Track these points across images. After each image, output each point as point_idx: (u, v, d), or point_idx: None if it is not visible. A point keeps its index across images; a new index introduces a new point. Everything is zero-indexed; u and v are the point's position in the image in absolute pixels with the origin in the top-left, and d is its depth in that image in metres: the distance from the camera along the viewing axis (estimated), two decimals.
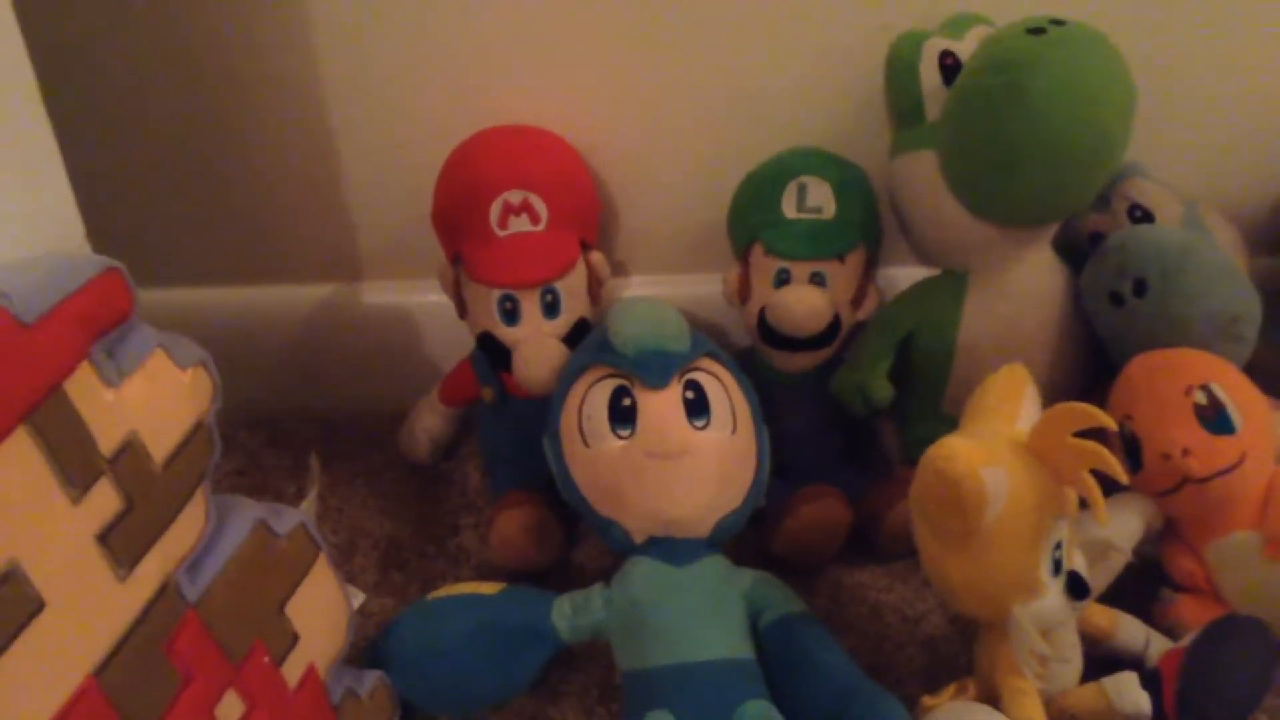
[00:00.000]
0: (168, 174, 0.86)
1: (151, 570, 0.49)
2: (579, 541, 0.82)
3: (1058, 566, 0.59)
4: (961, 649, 0.72)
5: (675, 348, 0.68)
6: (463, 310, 0.81)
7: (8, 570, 0.42)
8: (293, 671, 0.58)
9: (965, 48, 0.74)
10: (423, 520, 0.85)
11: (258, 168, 0.85)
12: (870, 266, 0.83)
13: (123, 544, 0.47)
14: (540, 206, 0.76)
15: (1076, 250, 0.78)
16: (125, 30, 0.78)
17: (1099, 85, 0.66)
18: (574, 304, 0.78)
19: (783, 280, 0.80)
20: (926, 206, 0.76)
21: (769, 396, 0.75)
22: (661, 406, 0.66)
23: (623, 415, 0.67)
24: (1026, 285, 0.76)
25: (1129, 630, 0.67)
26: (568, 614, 0.67)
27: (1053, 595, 0.59)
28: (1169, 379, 0.67)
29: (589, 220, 0.82)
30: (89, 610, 0.46)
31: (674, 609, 0.65)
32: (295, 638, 0.58)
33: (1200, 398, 0.65)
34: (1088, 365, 0.79)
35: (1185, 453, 0.65)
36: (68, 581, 0.44)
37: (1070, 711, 0.62)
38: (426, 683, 0.67)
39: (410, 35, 0.79)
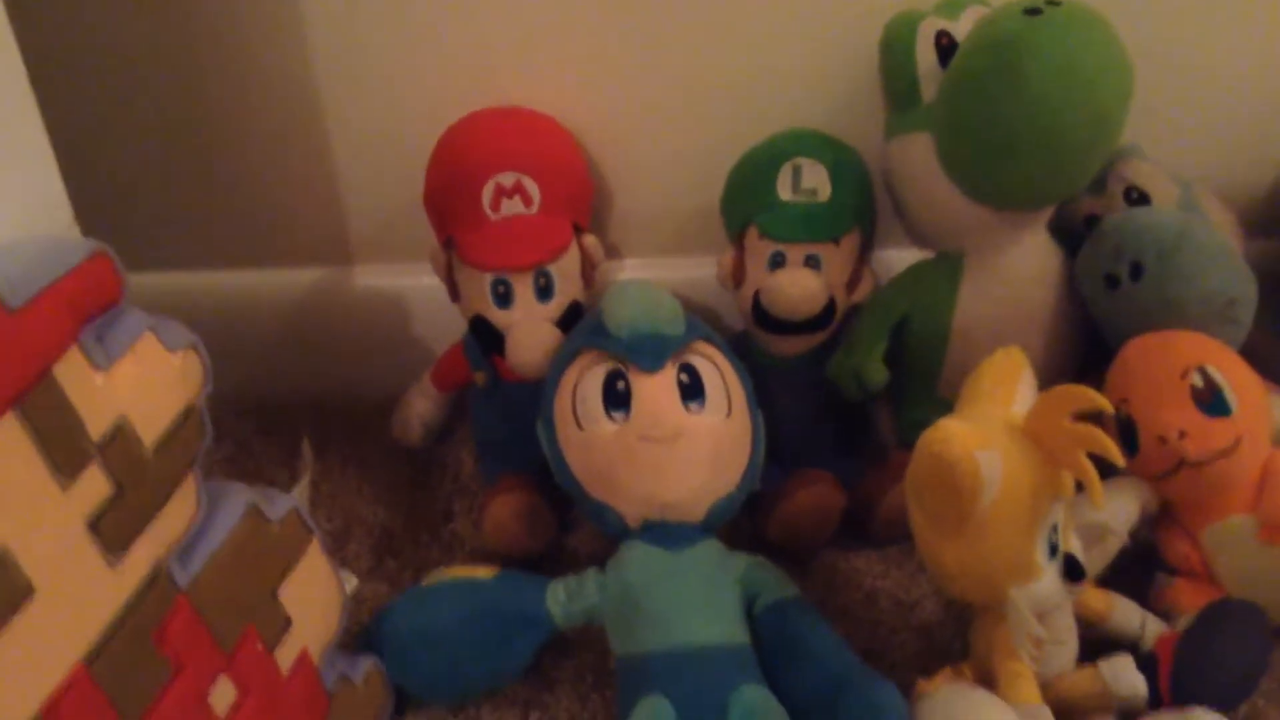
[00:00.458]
0: (157, 157, 0.85)
1: (142, 556, 0.49)
2: (573, 526, 0.82)
3: (1053, 550, 0.59)
4: (956, 634, 0.72)
5: (669, 331, 0.68)
6: (455, 294, 0.81)
7: None
8: (286, 658, 0.58)
9: (961, 28, 0.74)
10: (416, 505, 0.85)
11: (248, 151, 0.85)
12: (865, 249, 0.83)
13: (113, 530, 0.47)
14: (533, 189, 0.75)
15: (1072, 233, 0.78)
16: (114, 12, 0.77)
17: (1096, 67, 0.66)
18: (567, 287, 0.78)
19: (777, 263, 0.79)
20: (921, 189, 0.75)
21: (763, 380, 0.74)
22: (655, 390, 0.66)
23: (617, 399, 0.66)
24: (1022, 268, 0.76)
25: (1125, 613, 0.67)
26: (562, 599, 0.67)
27: (1048, 578, 0.59)
28: (1165, 362, 0.66)
29: (582, 203, 0.82)
30: (79, 597, 0.45)
31: (668, 594, 0.64)
32: (288, 623, 0.58)
33: (1196, 380, 0.65)
34: (1083, 348, 0.79)
35: (1181, 435, 0.64)
36: (58, 568, 0.44)
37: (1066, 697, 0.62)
38: (420, 668, 0.67)
39: (402, 16, 0.79)
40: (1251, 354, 0.69)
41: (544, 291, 0.77)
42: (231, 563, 0.54)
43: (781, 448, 0.77)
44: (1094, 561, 0.65)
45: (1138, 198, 0.78)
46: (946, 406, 0.65)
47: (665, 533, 0.66)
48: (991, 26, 0.67)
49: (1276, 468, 0.66)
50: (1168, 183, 0.78)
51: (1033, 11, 0.65)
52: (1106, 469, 0.56)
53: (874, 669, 0.61)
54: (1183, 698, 0.58)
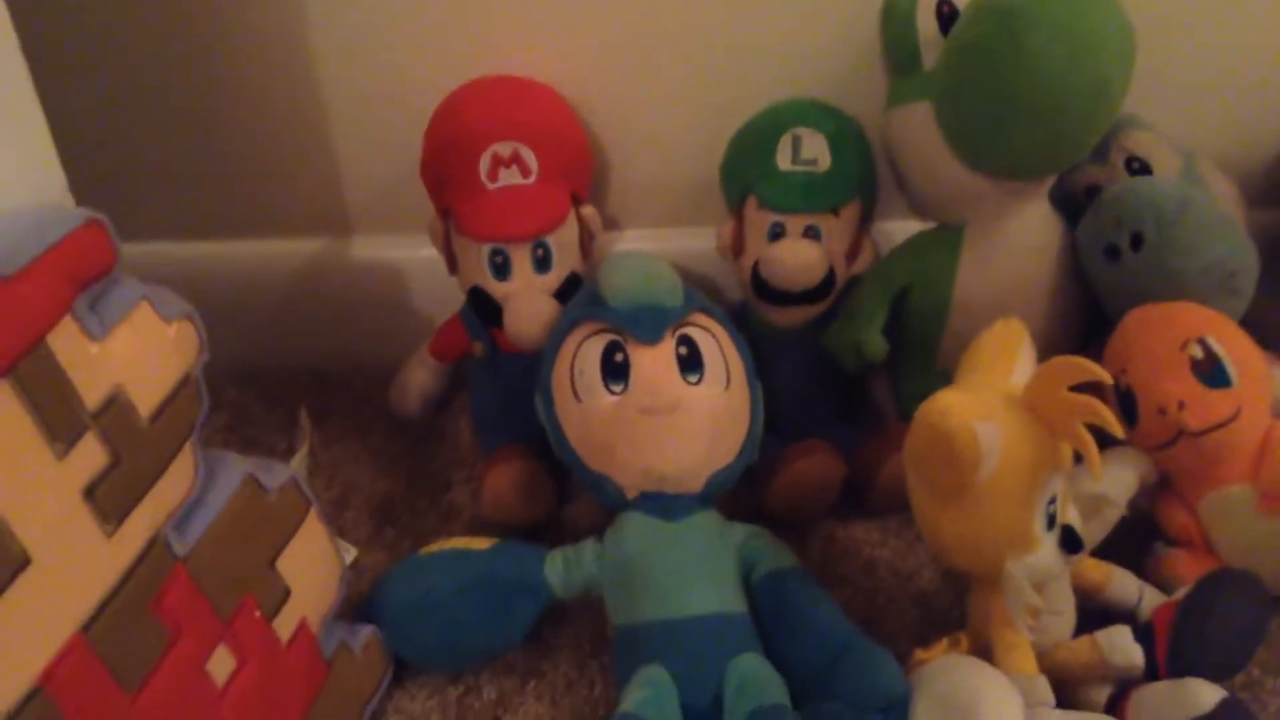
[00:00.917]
0: (153, 126, 0.84)
1: (139, 525, 0.49)
2: (571, 497, 0.82)
3: (1051, 521, 0.59)
4: (954, 604, 0.72)
5: (668, 302, 0.68)
6: (453, 265, 0.80)
7: None
8: (285, 626, 0.58)
9: None
10: (414, 476, 0.85)
11: (245, 121, 0.84)
12: (865, 220, 0.82)
13: (109, 499, 0.47)
14: (530, 159, 0.75)
15: (1073, 203, 0.78)
16: None
17: (1096, 34, 0.65)
18: (565, 258, 0.77)
19: (777, 234, 0.79)
20: (922, 159, 0.75)
21: (762, 351, 0.74)
22: (654, 362, 0.66)
23: (615, 370, 0.66)
24: (1023, 239, 0.75)
25: (1122, 584, 0.67)
26: (560, 569, 0.67)
27: (1046, 549, 0.59)
28: (1165, 333, 0.66)
29: (581, 173, 0.81)
30: (76, 566, 0.46)
31: (666, 564, 0.65)
32: (287, 593, 0.58)
33: (1196, 351, 0.65)
34: (1084, 319, 0.79)
35: (1181, 406, 0.64)
36: (54, 537, 0.44)
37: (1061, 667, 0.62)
38: (418, 637, 0.67)
39: None
40: (1253, 325, 0.68)
41: (542, 263, 0.76)
42: (229, 532, 0.54)
43: (780, 418, 0.77)
44: (1092, 532, 0.65)
45: (1139, 168, 0.77)
46: (946, 378, 0.65)
47: (663, 503, 0.66)
48: None
49: (1276, 438, 0.65)
50: (1169, 153, 0.78)
51: None
52: (1105, 440, 0.56)
53: (871, 638, 0.61)
54: (1179, 668, 0.58)
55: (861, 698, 0.57)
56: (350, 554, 0.77)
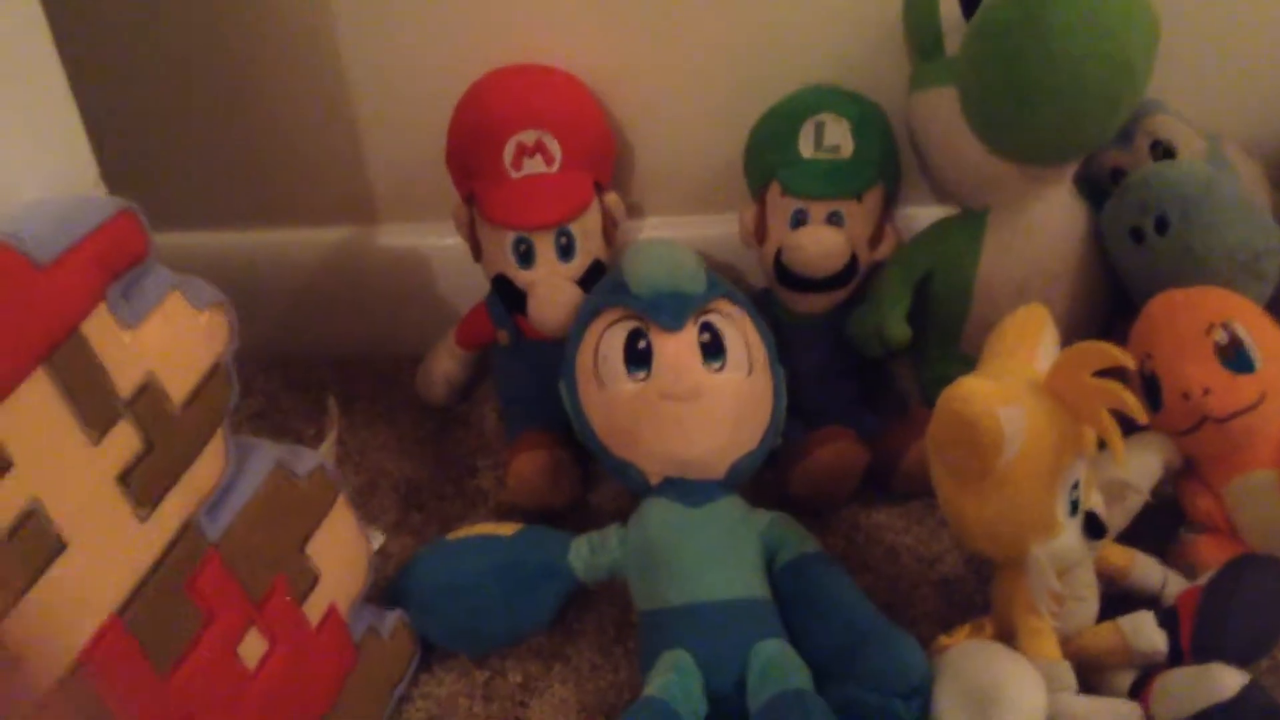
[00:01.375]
0: (182, 117, 0.85)
1: (172, 510, 0.50)
2: (595, 483, 0.83)
3: (1075, 506, 0.59)
4: (977, 589, 0.73)
5: (690, 289, 0.68)
6: (478, 253, 0.81)
7: (29, 510, 0.42)
8: (314, 610, 0.59)
9: None
10: (441, 462, 0.86)
11: (273, 111, 0.85)
12: (888, 206, 0.82)
13: (143, 484, 0.48)
14: (554, 147, 0.75)
15: (1098, 187, 0.77)
16: None
17: (1120, 18, 0.65)
18: (589, 246, 0.78)
19: (799, 220, 0.79)
20: (945, 143, 0.75)
21: (785, 337, 0.75)
22: (677, 348, 0.66)
23: (638, 357, 0.67)
24: (1047, 223, 0.75)
25: (1146, 569, 0.67)
26: (584, 554, 0.67)
27: (1070, 535, 0.59)
28: (1189, 317, 0.66)
29: (604, 161, 0.81)
30: (111, 550, 0.47)
31: (690, 549, 0.65)
32: (316, 577, 0.59)
33: (1220, 336, 0.65)
34: (1108, 304, 0.79)
35: (1205, 392, 0.64)
36: (89, 522, 0.45)
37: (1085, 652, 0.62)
38: (445, 621, 0.68)
39: None
40: (1278, 309, 0.68)
41: (565, 250, 0.77)
42: (260, 517, 0.55)
43: (804, 404, 0.77)
44: (1116, 518, 0.65)
45: (1164, 151, 0.77)
46: (969, 363, 0.65)
47: (687, 489, 0.67)
48: None
49: None
50: (1194, 136, 0.77)
51: None
52: (1129, 425, 0.56)
53: (894, 623, 0.61)
54: (1203, 653, 0.58)
55: (884, 683, 0.57)
56: (378, 539, 0.78)
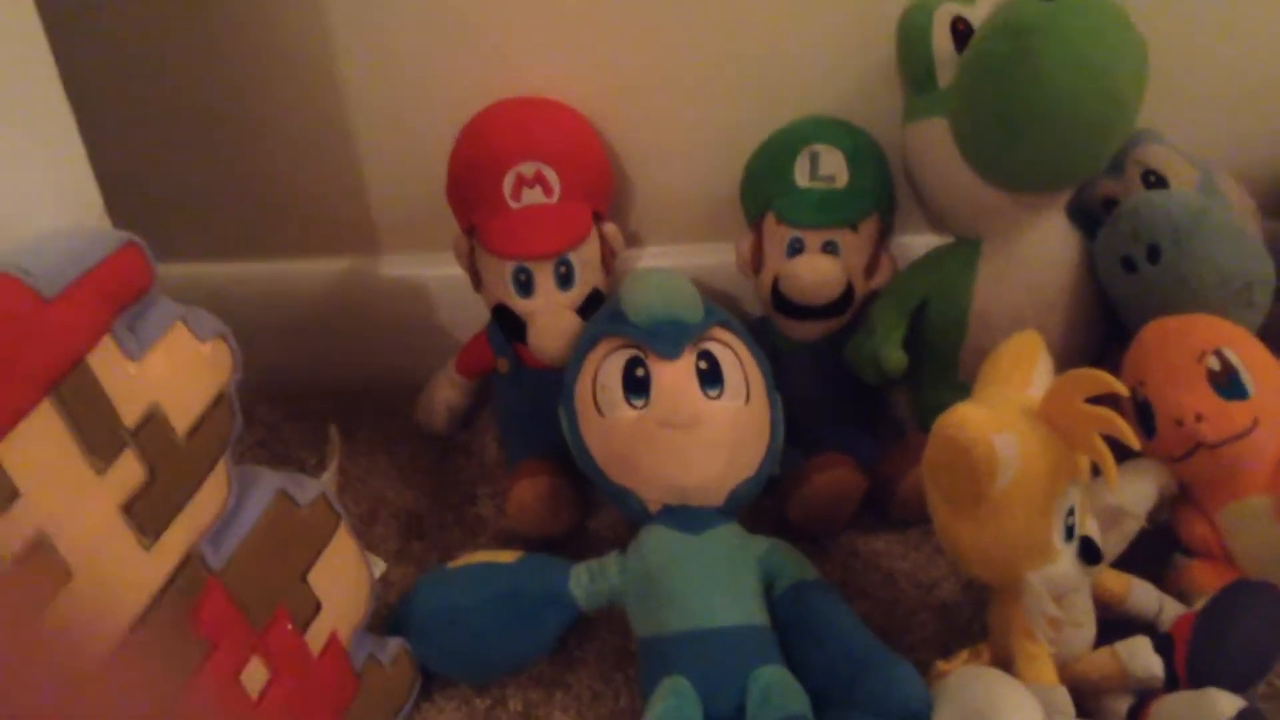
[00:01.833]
0: (185, 149, 0.86)
1: (176, 540, 0.50)
2: (595, 510, 0.83)
3: (1070, 532, 0.59)
4: (974, 615, 0.73)
5: (688, 318, 0.69)
6: (478, 283, 0.82)
7: (37, 540, 0.43)
8: (316, 639, 0.60)
9: (978, 13, 0.74)
10: (441, 490, 0.86)
11: (274, 144, 0.86)
12: (884, 235, 0.83)
13: (147, 514, 0.48)
14: (553, 178, 0.76)
15: (1090, 216, 0.78)
16: (143, 5, 0.79)
17: (1111, 51, 0.66)
18: (588, 275, 0.79)
19: (795, 249, 0.80)
20: (939, 173, 0.76)
21: (783, 365, 0.75)
22: (675, 376, 0.67)
23: (636, 385, 0.67)
24: (1040, 251, 0.76)
25: (1142, 595, 0.67)
26: (584, 581, 0.68)
27: (1065, 560, 0.59)
28: (1182, 345, 0.67)
29: (602, 191, 0.82)
30: (116, 579, 0.47)
31: (689, 576, 0.65)
32: (318, 606, 0.60)
33: (1213, 363, 0.65)
34: (1101, 331, 0.79)
35: (1198, 418, 0.65)
36: (94, 551, 0.46)
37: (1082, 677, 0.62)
38: (446, 649, 0.68)
39: (425, 9, 0.79)
40: (1271, 336, 0.69)
41: (565, 279, 0.78)
42: (262, 546, 0.55)
43: (801, 431, 0.78)
44: (1112, 544, 0.65)
45: (1155, 181, 0.78)
46: (965, 390, 0.65)
47: (686, 516, 0.67)
48: (1008, 11, 0.68)
49: None
50: (1185, 166, 0.78)
51: None
52: (1124, 452, 0.56)
53: (893, 649, 0.62)
54: (1199, 678, 0.58)
55: (883, 709, 0.58)
56: (379, 567, 0.78)
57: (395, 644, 0.66)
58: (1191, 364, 0.66)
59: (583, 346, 0.71)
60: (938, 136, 0.74)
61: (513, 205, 0.76)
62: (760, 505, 0.73)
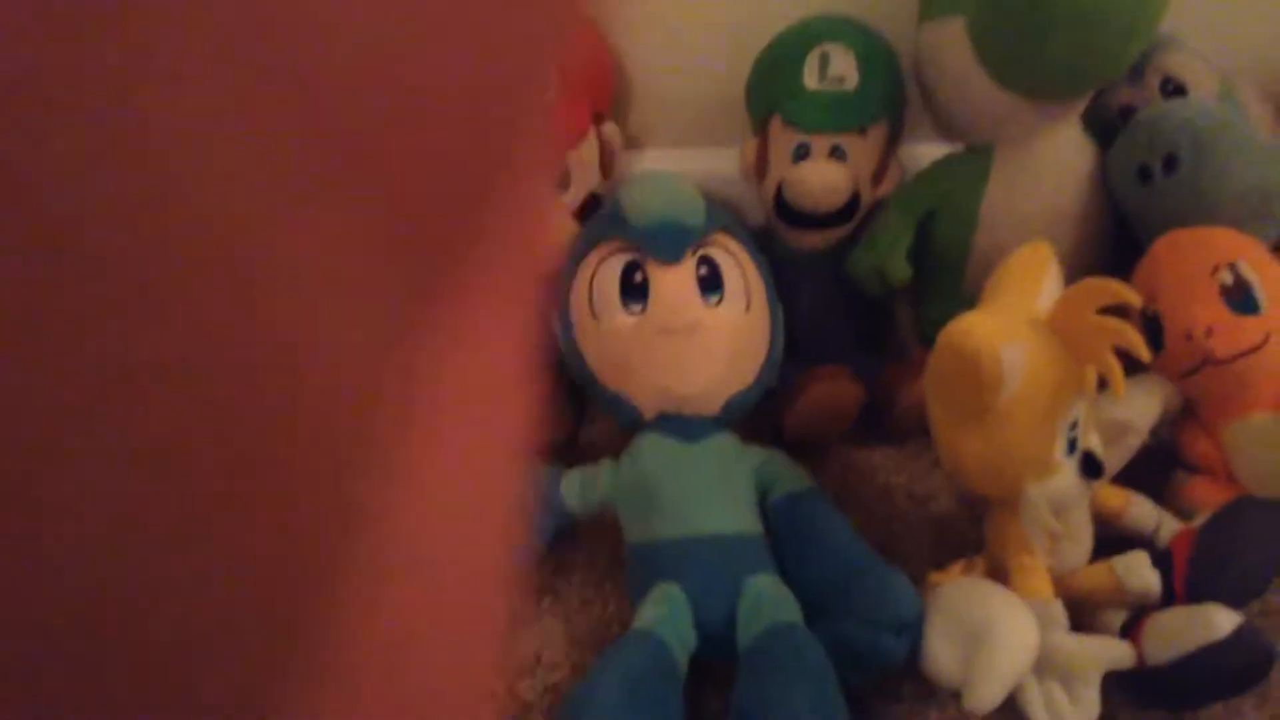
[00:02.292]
0: None
1: None
2: (588, 418, 0.82)
3: (1073, 445, 0.58)
4: (970, 529, 0.72)
5: (690, 221, 0.67)
6: None
7: None
8: None
9: None
10: None
11: None
12: (892, 142, 0.81)
13: None
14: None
15: (1107, 126, 0.76)
16: None
17: None
18: (584, 177, 0.77)
19: (801, 154, 0.77)
20: (953, 76, 0.73)
21: (785, 275, 0.74)
22: (674, 282, 0.65)
23: (634, 290, 0.66)
24: (1054, 161, 0.74)
25: (1141, 511, 0.66)
26: (577, 487, 0.67)
27: (1066, 474, 0.58)
28: (1195, 257, 0.65)
29: (602, 90, 0.80)
30: None
31: (682, 483, 0.65)
32: None
33: (1226, 277, 0.64)
34: (1113, 246, 0.77)
35: (1209, 332, 0.63)
36: None
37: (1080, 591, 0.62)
38: None
39: None
40: None
41: (561, 181, 0.75)
42: None
43: (802, 343, 0.77)
44: (1113, 459, 0.64)
45: (1175, 89, 0.76)
46: (970, 304, 0.64)
47: (681, 425, 0.66)
48: None
49: None
50: (1206, 74, 0.76)
51: None
52: (1130, 366, 0.55)
53: (887, 560, 0.61)
54: (1197, 593, 0.57)
55: (875, 618, 0.57)
56: None
57: None
58: (1204, 277, 0.64)
59: (579, 249, 0.70)
60: (953, 37, 0.71)
61: None
62: (757, 416, 0.72)
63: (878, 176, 0.80)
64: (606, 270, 0.67)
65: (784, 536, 0.65)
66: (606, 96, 0.80)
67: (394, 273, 0.14)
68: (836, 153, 0.77)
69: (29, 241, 0.10)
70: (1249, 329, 0.63)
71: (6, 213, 0.10)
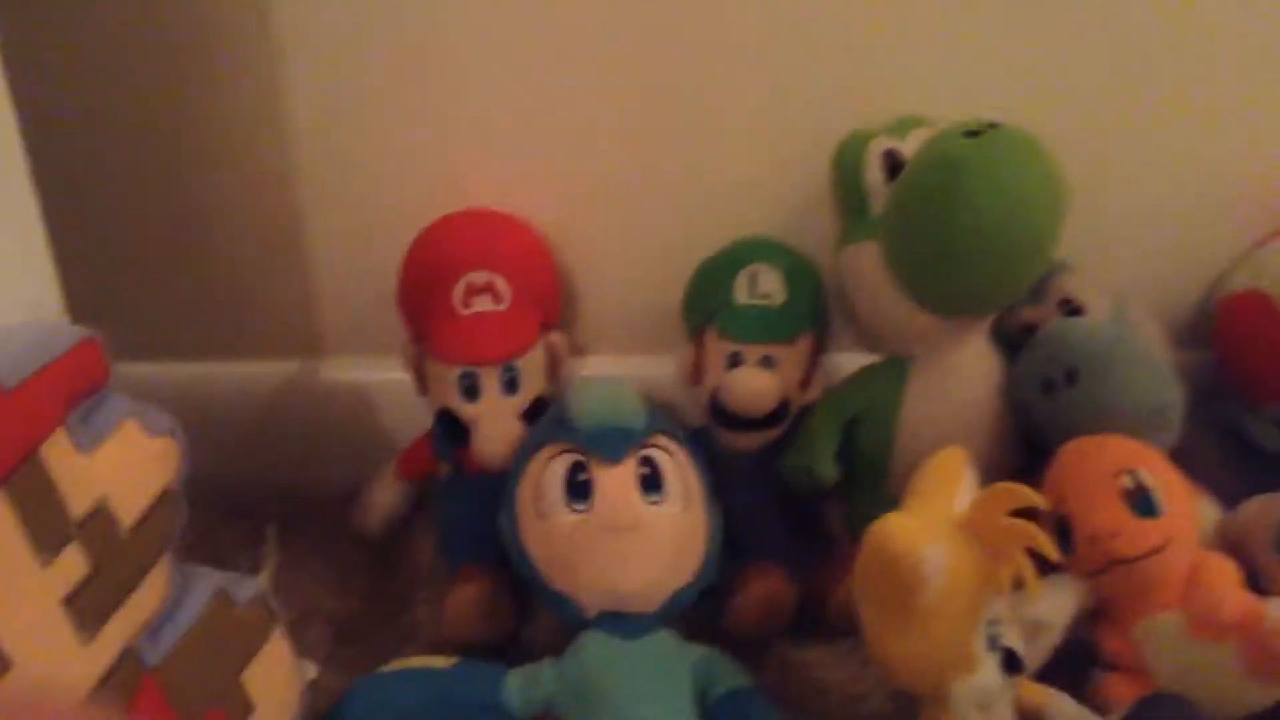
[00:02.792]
0: (141, 251, 0.87)
1: (114, 634, 0.50)
2: (531, 617, 0.83)
3: (994, 643, 0.61)
4: None
5: (631, 423, 0.71)
6: (423, 387, 0.83)
7: None
8: None
9: (908, 147, 0.79)
10: (377, 596, 0.86)
11: (228, 246, 0.87)
12: (818, 351, 0.87)
13: (88, 608, 0.48)
14: (503, 287, 0.79)
15: (1012, 340, 0.82)
16: (105, 109, 0.81)
17: (1032, 187, 0.70)
18: (533, 382, 0.81)
19: (734, 362, 0.83)
20: (871, 295, 0.79)
21: (721, 474, 0.77)
22: (616, 481, 0.69)
23: (578, 490, 0.69)
24: (965, 372, 0.79)
25: (1062, 708, 0.68)
26: (519, 688, 0.67)
27: (989, 671, 0.61)
28: (1098, 464, 0.70)
29: (550, 301, 0.85)
30: (53, 672, 0.47)
31: (624, 683, 0.66)
32: (250, 707, 0.59)
33: (1127, 482, 0.69)
34: (1023, 448, 0.82)
35: (1112, 535, 0.68)
36: (34, 642, 0.45)
37: None
38: None
39: (381, 118, 0.83)
40: (1181, 458, 0.72)
41: (510, 385, 0.79)
42: (199, 645, 0.55)
43: (739, 540, 0.79)
44: (1033, 656, 0.67)
45: (1072, 309, 0.83)
46: (895, 502, 0.67)
47: (623, 622, 0.68)
48: (935, 148, 0.72)
49: (1203, 567, 0.69)
50: (1101, 296, 0.83)
51: (973, 134, 0.70)
52: (1045, 566, 0.59)
53: None
54: None
55: None
56: (311, 672, 0.77)
57: None
58: (1106, 482, 0.69)
59: (526, 450, 0.73)
60: (869, 260, 0.78)
61: (462, 312, 0.78)
62: (694, 613, 0.74)
63: (805, 383, 0.85)
64: (552, 470, 0.70)
65: None
66: (555, 308, 0.86)
67: None
68: (766, 361, 0.82)
69: None
70: (1150, 532, 0.68)
71: None
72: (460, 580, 0.78)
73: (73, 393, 0.48)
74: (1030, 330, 0.82)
